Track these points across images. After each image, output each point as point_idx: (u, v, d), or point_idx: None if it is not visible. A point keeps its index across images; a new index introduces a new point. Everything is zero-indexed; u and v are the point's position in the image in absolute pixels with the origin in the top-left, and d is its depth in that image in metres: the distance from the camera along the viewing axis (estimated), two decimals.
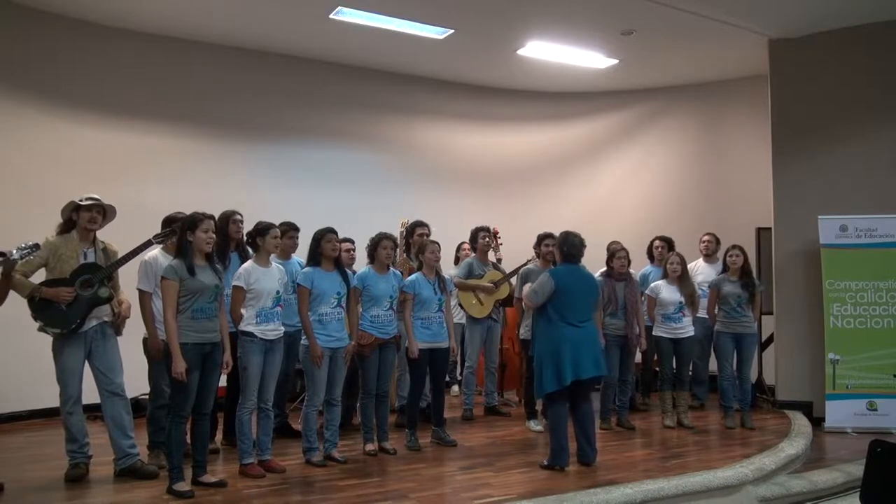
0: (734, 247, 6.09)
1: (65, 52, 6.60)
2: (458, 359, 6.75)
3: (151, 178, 6.85)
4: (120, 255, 4.44)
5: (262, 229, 4.51)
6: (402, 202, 7.73)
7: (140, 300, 4.47)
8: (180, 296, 3.97)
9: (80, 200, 4.32)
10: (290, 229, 5.33)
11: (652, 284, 6.14)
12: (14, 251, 4.05)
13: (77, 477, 4.26)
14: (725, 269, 6.17)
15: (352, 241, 5.86)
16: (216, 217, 4.39)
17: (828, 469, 5.01)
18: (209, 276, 4.08)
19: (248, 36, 7.21)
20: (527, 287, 5.06)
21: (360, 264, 5.40)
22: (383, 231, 5.11)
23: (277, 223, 4.77)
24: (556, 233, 5.07)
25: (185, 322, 3.98)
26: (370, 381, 4.95)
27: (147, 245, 4.45)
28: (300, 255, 5.29)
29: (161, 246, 4.63)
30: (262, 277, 4.43)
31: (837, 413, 6.27)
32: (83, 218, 4.32)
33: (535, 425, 5.80)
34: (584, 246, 4.82)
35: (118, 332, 4.46)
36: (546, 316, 4.70)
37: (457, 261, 6.86)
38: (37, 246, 4.15)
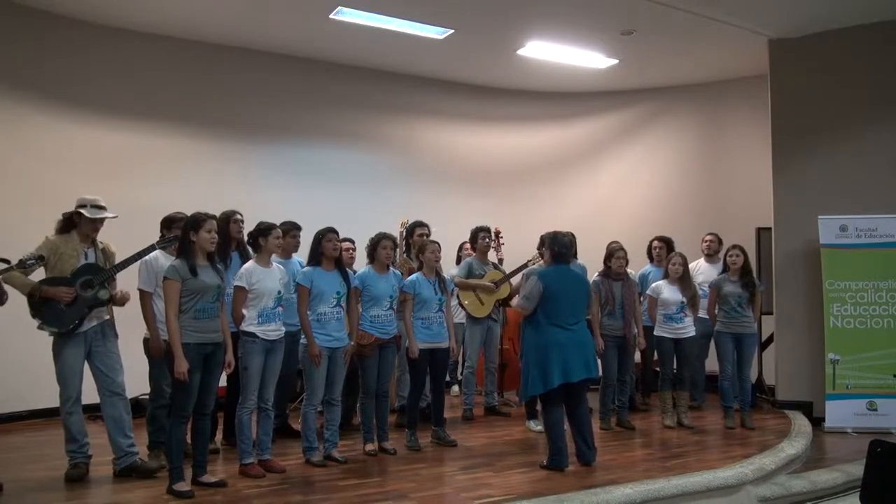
0: (734, 247, 6.09)
1: (65, 52, 6.59)
2: (459, 359, 6.75)
3: (151, 178, 6.85)
4: (118, 255, 4.44)
5: (263, 230, 4.52)
6: (402, 202, 7.72)
7: (141, 300, 4.48)
8: (182, 296, 3.97)
9: (88, 208, 4.31)
10: (292, 228, 5.36)
11: (653, 284, 6.13)
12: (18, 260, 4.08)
13: (77, 477, 4.26)
14: (725, 268, 6.17)
15: (352, 241, 5.86)
16: (217, 217, 4.38)
17: (828, 469, 5.01)
18: (211, 276, 4.08)
19: (248, 36, 7.20)
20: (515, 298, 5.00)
21: (360, 264, 5.40)
22: (383, 231, 5.11)
23: (278, 223, 4.77)
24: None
25: (187, 322, 3.98)
26: (370, 381, 4.95)
27: (150, 250, 4.47)
28: (302, 254, 5.29)
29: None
30: (264, 277, 4.43)
31: (837, 413, 6.27)
32: (86, 226, 4.33)
33: (535, 425, 5.79)
34: (574, 245, 4.77)
35: (115, 302, 4.44)
36: (535, 318, 4.65)
37: (458, 261, 6.87)
38: (41, 258, 4.17)
